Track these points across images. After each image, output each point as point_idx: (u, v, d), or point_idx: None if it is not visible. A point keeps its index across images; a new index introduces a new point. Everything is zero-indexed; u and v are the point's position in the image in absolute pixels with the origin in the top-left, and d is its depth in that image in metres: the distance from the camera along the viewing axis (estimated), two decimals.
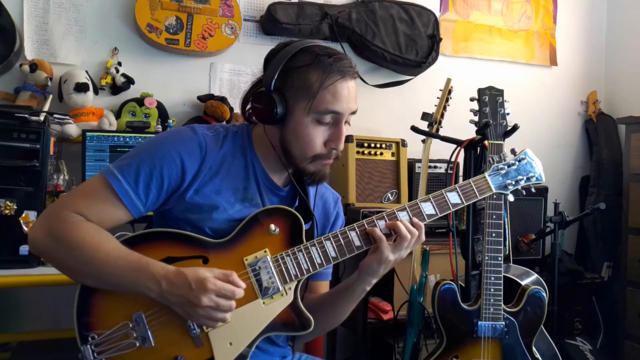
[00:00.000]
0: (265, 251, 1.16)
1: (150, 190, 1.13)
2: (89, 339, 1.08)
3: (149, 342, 1.08)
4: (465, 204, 1.25)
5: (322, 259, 1.16)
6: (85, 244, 1.06)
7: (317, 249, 1.16)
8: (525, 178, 1.33)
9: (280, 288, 1.14)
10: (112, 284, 1.08)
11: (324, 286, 1.39)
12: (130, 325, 1.08)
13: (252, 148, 1.24)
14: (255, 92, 1.19)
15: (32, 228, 1.12)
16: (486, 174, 1.30)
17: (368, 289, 1.25)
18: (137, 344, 1.08)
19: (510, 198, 1.35)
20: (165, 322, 1.10)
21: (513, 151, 1.39)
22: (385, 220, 1.19)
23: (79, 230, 1.07)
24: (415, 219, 1.19)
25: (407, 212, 1.20)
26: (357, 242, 1.18)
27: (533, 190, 1.38)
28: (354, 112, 1.21)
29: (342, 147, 1.20)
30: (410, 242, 1.17)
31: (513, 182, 1.32)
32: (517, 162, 1.33)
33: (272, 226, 1.17)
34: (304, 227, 1.19)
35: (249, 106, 1.25)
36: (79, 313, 1.10)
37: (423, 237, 1.19)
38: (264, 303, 1.14)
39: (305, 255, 1.16)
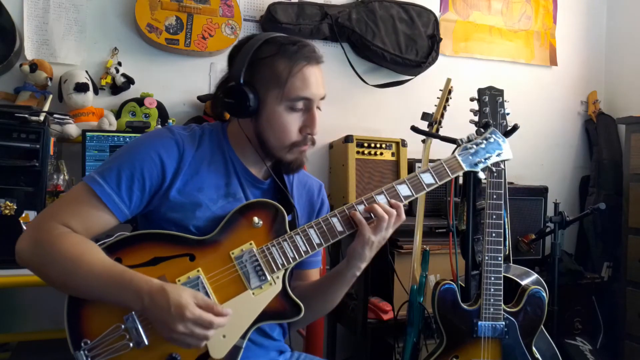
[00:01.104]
0: (250, 243, 1.17)
1: (133, 192, 1.14)
2: (82, 344, 1.07)
3: (143, 341, 1.07)
4: (439, 183, 1.28)
5: (307, 246, 1.18)
6: (68, 257, 1.06)
7: (301, 237, 1.18)
8: (494, 155, 1.35)
9: (269, 278, 1.16)
10: (96, 297, 1.07)
11: (314, 274, 1.42)
12: (123, 327, 1.07)
13: (229, 144, 1.26)
14: (226, 88, 1.21)
15: (19, 240, 1.10)
16: (456, 154, 1.33)
17: (358, 274, 1.26)
18: (131, 345, 1.07)
19: (481, 175, 1.37)
20: None
21: (479, 131, 1.41)
22: (364, 205, 1.21)
23: (63, 243, 1.07)
24: (392, 200, 1.22)
25: (385, 195, 1.23)
26: (339, 227, 1.20)
27: (502, 166, 1.39)
28: (322, 98, 1.24)
29: (317, 131, 1.22)
30: (390, 222, 1.20)
31: (483, 160, 1.34)
32: (484, 141, 1.36)
33: (255, 219, 1.18)
34: (287, 218, 1.21)
35: (219, 105, 1.26)
36: (70, 319, 1.09)
37: (403, 216, 1.22)
38: (253, 294, 1.15)
39: (290, 244, 1.18)
